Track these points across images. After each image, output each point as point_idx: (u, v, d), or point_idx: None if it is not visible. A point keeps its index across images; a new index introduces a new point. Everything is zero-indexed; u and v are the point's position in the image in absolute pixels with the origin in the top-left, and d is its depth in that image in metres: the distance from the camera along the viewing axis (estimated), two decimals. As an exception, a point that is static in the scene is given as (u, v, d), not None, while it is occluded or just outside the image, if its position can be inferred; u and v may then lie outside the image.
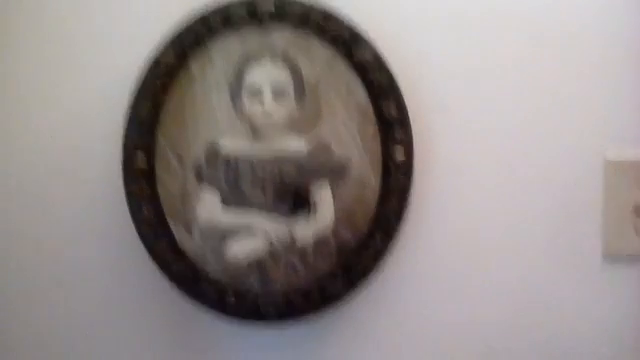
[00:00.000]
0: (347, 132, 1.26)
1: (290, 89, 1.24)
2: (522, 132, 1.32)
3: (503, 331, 1.35)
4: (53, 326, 1.35)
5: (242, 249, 1.25)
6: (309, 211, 1.26)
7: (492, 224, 1.34)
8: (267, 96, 1.24)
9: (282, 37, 1.24)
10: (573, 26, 1.31)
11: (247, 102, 1.24)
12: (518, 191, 1.33)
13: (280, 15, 1.24)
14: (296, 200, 1.26)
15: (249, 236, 1.26)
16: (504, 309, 1.35)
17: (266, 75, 1.24)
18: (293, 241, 1.25)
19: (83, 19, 1.30)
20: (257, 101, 1.24)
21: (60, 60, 1.31)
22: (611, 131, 1.33)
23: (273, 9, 1.24)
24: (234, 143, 1.25)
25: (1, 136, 1.32)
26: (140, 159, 1.24)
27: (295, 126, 1.25)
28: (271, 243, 1.25)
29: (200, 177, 1.25)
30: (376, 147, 1.26)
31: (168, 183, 1.25)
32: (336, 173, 1.25)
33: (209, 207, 1.25)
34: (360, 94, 1.25)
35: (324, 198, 1.26)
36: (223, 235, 1.25)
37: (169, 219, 1.25)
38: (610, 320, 1.35)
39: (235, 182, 1.25)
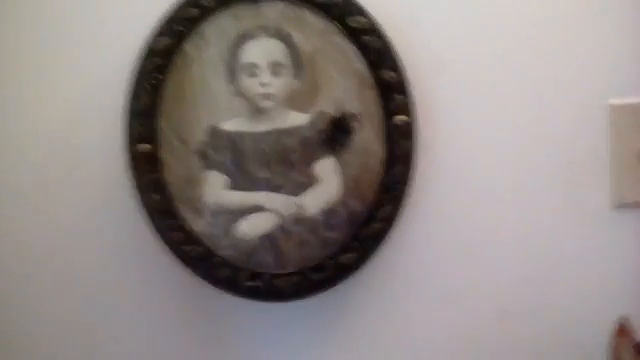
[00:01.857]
0: (347, 101, 1.25)
1: (287, 63, 1.24)
2: (524, 84, 1.32)
3: (515, 289, 1.36)
4: (68, 313, 1.36)
5: (252, 226, 1.25)
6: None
7: (498, 180, 1.34)
8: (265, 72, 1.24)
9: (275, 11, 1.24)
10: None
11: (245, 80, 1.24)
12: (523, 144, 1.33)
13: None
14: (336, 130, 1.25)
15: (259, 214, 1.25)
16: (514, 266, 1.35)
17: (262, 51, 1.24)
18: (302, 214, 1.25)
19: (77, 6, 1.29)
20: (255, 78, 1.24)
21: (55, 54, 1.30)
22: (614, 77, 1.32)
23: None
24: (236, 122, 1.25)
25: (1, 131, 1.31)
26: (143, 146, 1.23)
27: (295, 100, 1.25)
28: (281, 218, 1.24)
29: (205, 159, 1.25)
30: (377, 114, 1.25)
31: (174, 167, 1.24)
32: (339, 143, 1.25)
33: (216, 189, 1.25)
34: (357, 61, 1.25)
35: (329, 169, 1.25)
36: (233, 215, 1.25)
37: (178, 204, 1.25)
38: (620, 269, 1.36)
39: (240, 161, 1.25)
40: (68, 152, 1.31)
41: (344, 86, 1.25)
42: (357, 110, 1.25)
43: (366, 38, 1.24)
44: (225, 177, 1.25)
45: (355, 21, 1.24)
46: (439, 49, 1.30)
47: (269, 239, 1.26)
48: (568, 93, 1.32)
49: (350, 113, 1.25)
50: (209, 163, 1.25)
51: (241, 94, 1.24)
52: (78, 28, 1.29)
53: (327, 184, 1.25)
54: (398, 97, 1.25)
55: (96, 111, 1.29)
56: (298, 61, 1.24)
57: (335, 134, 1.25)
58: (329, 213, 1.26)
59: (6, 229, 1.34)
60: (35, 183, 1.32)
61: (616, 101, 1.32)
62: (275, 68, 1.23)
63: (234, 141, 1.24)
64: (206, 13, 1.23)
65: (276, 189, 1.25)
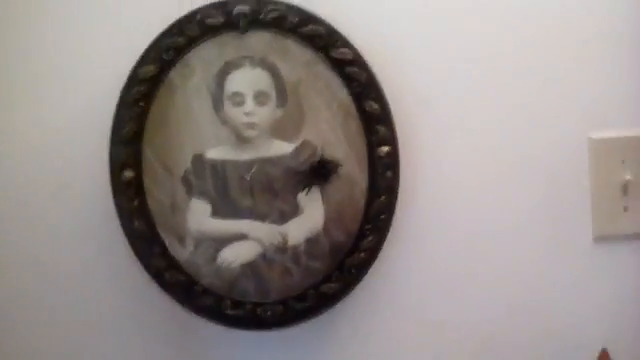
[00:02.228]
0: (331, 131, 1.26)
1: (272, 93, 1.25)
2: (505, 119, 1.33)
3: (498, 321, 1.36)
4: (47, 339, 1.34)
5: (235, 254, 1.26)
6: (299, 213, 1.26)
7: (481, 213, 1.35)
8: (249, 102, 1.24)
9: (261, 42, 1.25)
10: (554, 12, 1.32)
11: (230, 109, 1.25)
12: (505, 178, 1.34)
13: (256, 19, 1.24)
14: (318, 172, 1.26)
15: (241, 242, 1.25)
16: (498, 299, 1.36)
17: (247, 81, 1.25)
18: (285, 244, 1.25)
19: (64, 34, 1.30)
20: (240, 107, 1.24)
21: (43, 78, 1.30)
22: (594, 111, 1.34)
23: (248, 10, 1.24)
24: (220, 151, 1.25)
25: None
26: (127, 172, 1.24)
27: (279, 129, 1.26)
28: (264, 247, 1.24)
29: (189, 187, 1.25)
30: (361, 145, 1.26)
31: (157, 194, 1.25)
32: (323, 173, 1.25)
33: (199, 216, 1.25)
34: (341, 92, 1.26)
35: (313, 199, 1.26)
36: (216, 243, 1.26)
37: (160, 231, 1.25)
38: (604, 300, 1.37)
39: (224, 190, 1.25)
40: (53, 176, 1.31)
41: (328, 116, 1.26)
42: (340, 146, 1.26)
43: (350, 69, 1.25)
44: (208, 205, 1.25)
45: (340, 52, 1.25)
46: (422, 82, 1.31)
47: (251, 268, 1.26)
48: (549, 127, 1.33)
49: (331, 160, 1.26)
50: (193, 191, 1.25)
51: (226, 123, 1.25)
52: (66, 54, 1.30)
53: (311, 214, 1.26)
54: (381, 128, 1.26)
55: (82, 136, 1.29)
56: (283, 91, 1.25)
57: (315, 177, 1.25)
58: (312, 243, 1.26)
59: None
60: (19, 206, 1.32)
61: (596, 134, 1.33)
62: (260, 98, 1.24)
63: (218, 169, 1.25)
64: (192, 42, 1.24)
65: (260, 218, 1.26)
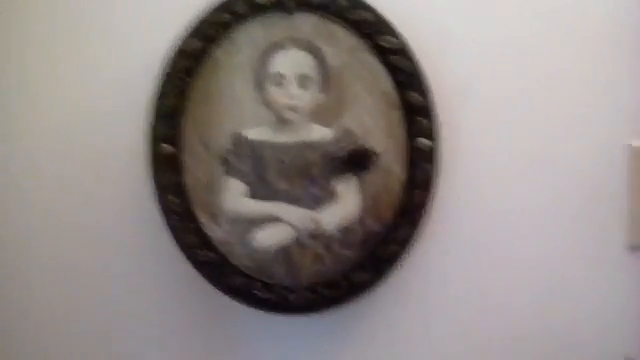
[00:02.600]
0: (371, 120, 1.25)
1: (315, 77, 1.24)
2: (548, 120, 1.32)
3: (528, 319, 1.35)
4: (77, 313, 1.35)
5: (268, 237, 1.25)
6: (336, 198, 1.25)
7: (517, 212, 1.33)
8: (292, 84, 1.24)
9: (307, 24, 1.24)
10: (601, 17, 1.31)
11: (272, 90, 1.24)
12: (544, 179, 1.33)
13: (305, 1, 1.23)
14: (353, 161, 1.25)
15: (275, 225, 1.24)
16: (527, 300, 1.34)
17: (291, 63, 1.24)
18: (319, 230, 1.24)
19: (107, 8, 1.30)
20: (282, 89, 1.24)
21: (84, 51, 1.31)
22: (635, 119, 1.32)
23: (298, -6, 1.23)
24: (259, 131, 1.25)
25: (26, 130, 1.32)
26: (166, 147, 1.23)
27: (320, 114, 1.25)
28: (297, 232, 1.23)
29: (226, 166, 1.24)
30: (401, 135, 1.26)
31: (195, 171, 1.24)
32: (361, 161, 1.24)
33: (235, 196, 1.25)
34: (385, 81, 1.25)
35: (350, 186, 1.24)
36: (249, 224, 1.25)
37: (196, 209, 1.25)
38: (632, 309, 1.34)
39: (261, 171, 1.25)
40: (91, 149, 1.31)
41: (370, 104, 1.25)
42: (381, 136, 1.25)
43: (395, 58, 1.24)
44: (245, 185, 1.24)
45: (386, 40, 1.24)
46: (465, 75, 1.31)
47: (284, 251, 1.25)
48: (589, 131, 1.32)
49: (369, 150, 1.24)
50: (230, 170, 1.24)
51: (267, 103, 1.24)
52: (110, 27, 1.30)
53: (346, 201, 1.25)
54: (423, 120, 1.25)
55: (122, 109, 1.29)
56: (326, 75, 1.24)
57: (352, 166, 1.24)
58: (346, 231, 1.25)
59: (27, 223, 1.33)
60: (55, 179, 1.32)
61: (636, 142, 1.31)
62: (303, 80, 1.24)
63: (256, 150, 1.24)
64: (238, 19, 1.24)
65: (294, 202, 1.25)
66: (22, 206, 1.33)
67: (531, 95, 1.31)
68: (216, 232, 1.25)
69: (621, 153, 1.32)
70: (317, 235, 1.25)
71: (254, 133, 1.24)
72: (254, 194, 1.25)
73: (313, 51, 1.24)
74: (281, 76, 1.24)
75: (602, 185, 1.33)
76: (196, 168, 1.24)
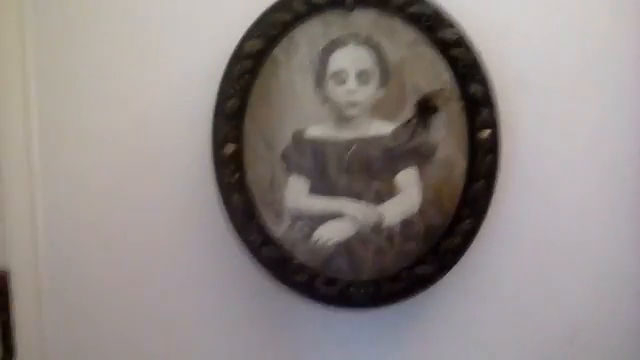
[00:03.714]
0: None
1: (375, 73, 1.24)
2: (606, 111, 1.30)
3: (589, 312, 1.34)
4: (140, 307, 1.38)
5: (331, 232, 1.26)
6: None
7: (580, 199, 1.32)
8: (352, 80, 1.24)
9: (366, 20, 1.24)
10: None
11: (332, 87, 1.24)
12: (603, 172, 1.31)
13: (363, -2, 1.23)
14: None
15: (338, 220, 1.25)
16: (590, 286, 1.33)
17: (351, 60, 1.25)
18: (380, 224, 1.24)
19: (168, 9, 1.32)
20: (342, 85, 1.24)
21: (147, 51, 1.33)
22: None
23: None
24: (320, 128, 1.26)
25: (93, 126, 1.35)
26: (229, 146, 1.25)
27: (380, 109, 1.25)
28: (359, 227, 1.24)
29: (288, 164, 1.26)
30: (462, 127, 1.25)
31: (258, 169, 1.26)
32: (422, 155, 1.24)
33: (297, 193, 1.26)
34: (445, 74, 1.24)
35: (411, 180, 1.25)
36: (312, 221, 1.26)
37: (259, 205, 1.26)
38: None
39: (322, 168, 1.26)
40: (155, 147, 1.34)
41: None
42: (441, 128, 1.25)
43: (455, 51, 1.24)
44: (307, 182, 1.26)
45: (445, 33, 1.23)
46: (526, 66, 1.29)
47: (346, 246, 1.26)
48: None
49: (433, 91, 1.24)
50: (292, 167, 1.26)
51: (327, 100, 1.25)
52: (173, 28, 1.32)
53: (407, 195, 1.25)
54: (484, 111, 1.24)
55: (186, 110, 1.32)
56: (386, 70, 1.24)
57: (420, 114, 1.24)
58: (407, 224, 1.26)
59: (92, 222, 1.37)
60: (123, 177, 1.35)
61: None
62: (362, 76, 1.24)
63: (317, 147, 1.25)
64: (298, 18, 1.24)
65: (356, 197, 1.26)
66: (87, 203, 1.37)
67: (591, 82, 1.29)
68: (279, 229, 1.26)
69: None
70: (379, 229, 1.25)
71: (315, 130, 1.25)
72: (316, 190, 1.26)
73: (372, 46, 1.24)
74: (342, 72, 1.24)
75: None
76: (259, 166, 1.26)
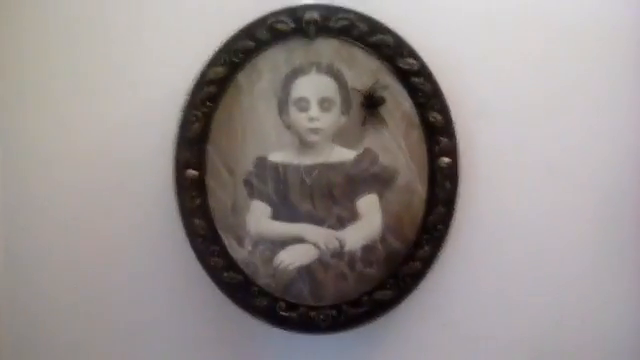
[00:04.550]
0: (393, 140, 1.26)
1: (337, 99, 1.26)
2: (564, 133, 1.33)
3: (550, 336, 1.35)
4: (105, 333, 1.37)
5: (292, 257, 1.27)
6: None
7: (538, 230, 1.34)
8: (314, 107, 1.26)
9: (328, 49, 1.26)
10: (614, 31, 1.32)
11: (295, 113, 1.26)
12: (564, 195, 1.34)
13: (325, 26, 1.25)
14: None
15: (299, 245, 1.26)
16: (549, 312, 1.35)
17: (313, 87, 1.26)
18: (342, 249, 1.26)
19: (133, 35, 1.33)
20: (304, 113, 1.26)
21: (110, 75, 1.33)
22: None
23: (318, 17, 1.25)
24: (282, 155, 1.27)
25: (54, 150, 1.35)
26: (191, 172, 1.26)
27: (342, 136, 1.27)
28: (320, 252, 1.25)
29: (250, 189, 1.27)
30: (422, 155, 1.27)
31: (219, 194, 1.26)
32: (383, 181, 1.26)
33: (259, 218, 1.27)
34: (405, 102, 1.26)
35: (372, 206, 1.26)
36: (273, 245, 1.27)
37: (220, 231, 1.27)
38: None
39: (284, 193, 1.27)
40: (116, 172, 1.34)
41: (391, 125, 1.27)
42: (401, 155, 1.28)
43: (416, 80, 1.26)
44: (268, 207, 1.27)
45: (406, 62, 1.26)
46: (484, 95, 1.32)
47: (307, 271, 1.27)
48: (611, 147, 1.33)
49: (371, 85, 1.26)
50: (254, 192, 1.27)
51: (290, 127, 1.26)
52: (135, 54, 1.33)
53: (368, 220, 1.27)
54: (443, 139, 1.27)
55: (148, 135, 1.32)
56: (347, 98, 1.26)
57: (366, 108, 1.26)
58: (368, 249, 1.27)
59: (53, 247, 1.36)
60: (80, 201, 1.35)
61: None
62: (324, 104, 1.26)
63: (280, 172, 1.27)
64: (261, 46, 1.26)
65: (318, 222, 1.27)
66: (48, 227, 1.36)
67: (550, 108, 1.32)
68: (241, 254, 1.27)
69: (634, 162, 1.32)
70: (340, 254, 1.26)
71: (277, 156, 1.27)
72: (278, 216, 1.27)
73: (334, 74, 1.26)
74: (303, 100, 1.26)
75: (621, 199, 1.34)
76: (221, 191, 1.26)
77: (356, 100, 1.26)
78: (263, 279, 1.27)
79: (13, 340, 1.38)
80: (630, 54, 1.32)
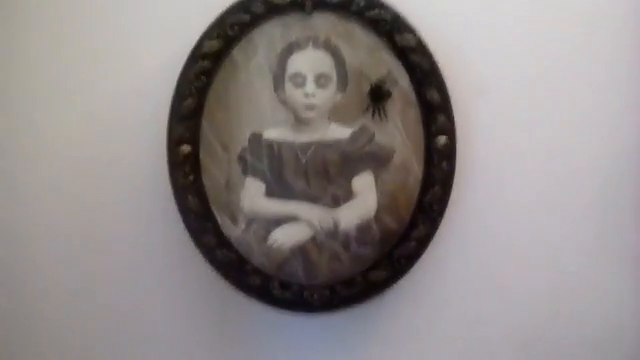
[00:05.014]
0: (390, 118, 1.24)
1: (333, 76, 1.24)
2: (564, 115, 1.31)
3: (545, 318, 1.35)
4: (98, 315, 1.36)
5: (286, 236, 1.25)
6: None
7: (534, 211, 1.33)
8: (310, 83, 1.24)
9: (325, 23, 1.24)
10: (619, 14, 1.31)
11: (290, 89, 1.24)
12: (563, 176, 1.32)
13: (322, 0, 1.23)
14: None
15: (293, 224, 1.25)
16: (547, 297, 1.34)
17: (309, 62, 1.24)
18: (336, 228, 1.24)
19: (125, 7, 1.31)
20: (300, 88, 1.24)
21: (103, 50, 1.32)
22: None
23: (316, -6, 1.23)
24: (278, 131, 1.25)
25: (45, 125, 1.33)
26: (185, 148, 1.24)
27: (338, 113, 1.25)
28: (315, 230, 1.24)
29: (244, 166, 1.25)
30: (419, 134, 1.26)
31: (213, 172, 1.25)
32: (379, 160, 1.24)
33: (253, 196, 1.25)
34: (403, 80, 1.24)
35: (367, 185, 1.25)
36: (267, 224, 1.25)
37: (214, 208, 1.25)
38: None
39: (279, 171, 1.25)
40: (109, 148, 1.32)
41: (388, 102, 1.24)
42: (397, 134, 1.26)
43: (413, 57, 1.24)
44: (263, 184, 1.25)
45: (403, 39, 1.24)
46: (483, 73, 1.30)
47: (301, 250, 1.26)
48: (604, 128, 1.32)
49: (381, 77, 1.24)
50: (248, 169, 1.25)
51: (285, 103, 1.24)
52: (129, 28, 1.31)
53: (364, 199, 1.25)
54: (440, 118, 1.25)
55: (141, 111, 1.30)
56: (344, 75, 1.24)
57: (373, 100, 1.24)
58: (363, 229, 1.26)
59: (45, 224, 1.34)
60: (73, 177, 1.33)
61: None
62: (321, 80, 1.24)
63: (274, 150, 1.25)
64: (257, 20, 1.24)
65: (312, 200, 1.25)
66: (38, 202, 1.34)
67: (546, 91, 1.31)
68: (234, 232, 1.25)
69: (634, 144, 1.31)
70: (335, 233, 1.24)
71: (272, 133, 1.25)
72: (272, 193, 1.25)
73: (331, 50, 1.24)
74: (299, 75, 1.24)
75: (620, 185, 1.33)
76: (215, 168, 1.25)
77: (358, 81, 1.24)
78: (256, 257, 1.26)
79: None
80: (633, 34, 1.30)
